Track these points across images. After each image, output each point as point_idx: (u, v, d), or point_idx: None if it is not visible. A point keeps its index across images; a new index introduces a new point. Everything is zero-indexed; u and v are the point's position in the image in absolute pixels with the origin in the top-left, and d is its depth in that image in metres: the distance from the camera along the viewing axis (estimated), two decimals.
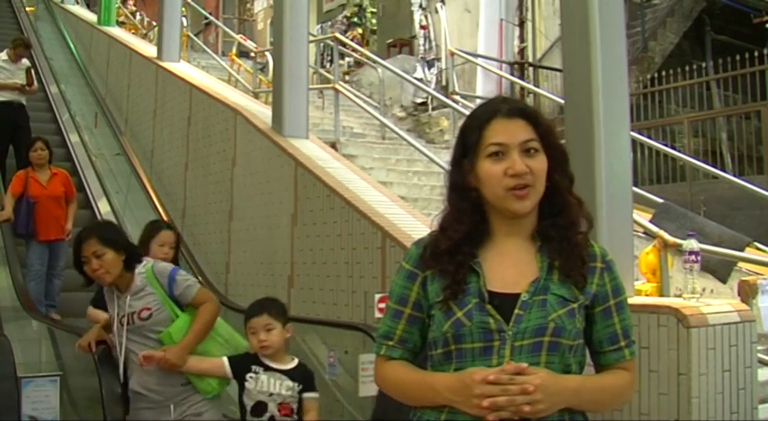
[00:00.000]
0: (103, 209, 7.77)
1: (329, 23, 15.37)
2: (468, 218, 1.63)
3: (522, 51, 10.59)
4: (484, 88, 9.84)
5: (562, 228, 1.62)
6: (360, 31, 14.82)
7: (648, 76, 10.22)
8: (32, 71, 8.07)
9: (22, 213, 5.99)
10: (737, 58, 8.65)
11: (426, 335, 1.66)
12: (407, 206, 5.14)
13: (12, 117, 7.75)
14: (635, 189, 4.70)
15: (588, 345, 1.65)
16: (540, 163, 1.60)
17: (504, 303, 1.57)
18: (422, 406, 1.63)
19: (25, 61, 7.96)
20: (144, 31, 13.86)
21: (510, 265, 1.62)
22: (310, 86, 7.10)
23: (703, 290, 4.83)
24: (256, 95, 8.97)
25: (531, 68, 10.46)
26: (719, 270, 5.20)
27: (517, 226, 1.64)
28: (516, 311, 1.56)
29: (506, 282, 1.60)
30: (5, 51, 7.89)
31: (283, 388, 3.10)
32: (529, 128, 1.61)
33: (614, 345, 1.65)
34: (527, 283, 1.59)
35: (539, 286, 1.59)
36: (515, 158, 1.58)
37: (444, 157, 6.41)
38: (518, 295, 1.58)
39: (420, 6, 11.83)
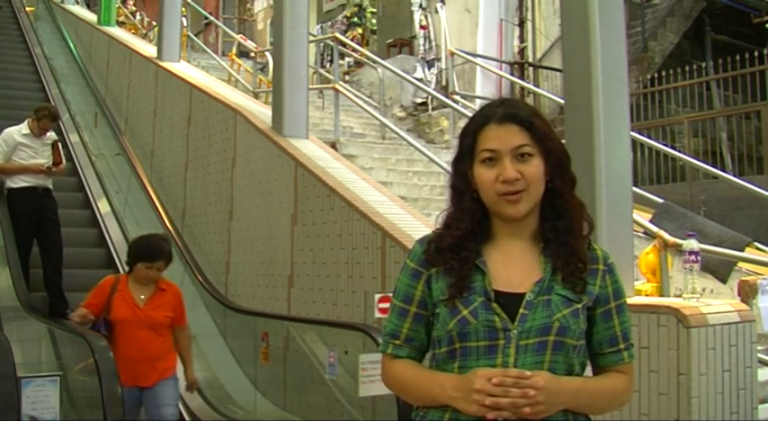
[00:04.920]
0: (103, 209, 7.78)
1: (329, 23, 15.37)
2: (468, 217, 1.65)
3: (522, 51, 10.58)
4: (484, 88, 9.84)
5: (561, 231, 1.63)
6: (360, 31, 14.82)
7: (648, 76, 10.22)
8: (60, 145, 6.55)
9: None
10: (737, 58, 8.65)
11: (432, 332, 1.67)
12: (407, 206, 5.14)
13: (36, 206, 6.17)
14: (635, 189, 4.70)
15: (588, 347, 1.66)
16: (533, 168, 1.60)
17: (509, 303, 1.58)
18: (426, 405, 1.63)
19: (51, 134, 6.49)
20: (144, 31, 13.87)
21: (515, 266, 1.63)
22: (310, 86, 7.10)
23: (703, 290, 4.84)
24: (256, 95, 8.98)
25: (531, 68, 10.47)
26: (719, 270, 5.21)
27: (519, 227, 1.65)
28: (521, 311, 1.57)
29: (511, 282, 1.61)
30: (26, 122, 6.36)
31: None
32: (522, 133, 1.62)
33: (614, 348, 1.66)
34: (532, 283, 1.60)
35: (543, 286, 1.60)
36: (506, 165, 1.59)
37: (444, 157, 6.42)
38: (523, 295, 1.59)
39: (420, 6, 11.83)
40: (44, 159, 6.28)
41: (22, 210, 6.13)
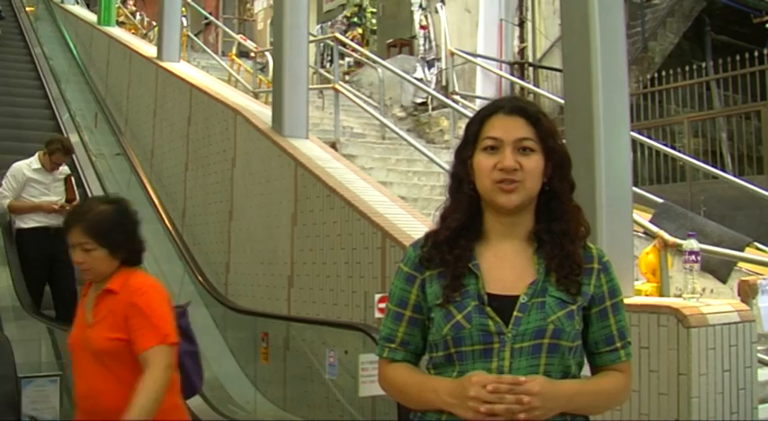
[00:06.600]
0: None
1: (329, 23, 15.37)
2: (464, 207, 1.66)
3: (522, 51, 10.59)
4: (484, 88, 9.84)
5: (556, 234, 1.63)
6: (360, 31, 14.82)
7: (648, 76, 10.22)
8: (73, 180, 6.07)
9: None
10: (737, 58, 8.65)
11: (427, 336, 1.67)
12: (407, 206, 5.14)
13: (47, 248, 5.62)
14: (635, 189, 4.71)
15: (584, 346, 1.66)
16: (532, 162, 1.61)
17: (503, 305, 1.57)
18: (423, 409, 1.63)
19: (64, 168, 6.02)
20: (144, 31, 13.86)
21: (508, 267, 1.63)
22: (310, 86, 7.10)
23: (703, 290, 4.84)
24: (256, 95, 8.97)
25: (531, 68, 10.47)
26: (719, 270, 5.21)
27: (512, 226, 1.65)
28: (515, 313, 1.56)
29: (505, 285, 1.60)
30: (36, 155, 5.86)
31: None
32: (527, 127, 1.62)
33: (610, 346, 1.66)
34: (525, 285, 1.59)
35: (537, 288, 1.59)
36: (506, 154, 1.60)
37: (444, 157, 6.42)
38: (517, 297, 1.58)
39: (420, 6, 11.84)
40: (56, 196, 5.81)
41: (33, 251, 5.66)
